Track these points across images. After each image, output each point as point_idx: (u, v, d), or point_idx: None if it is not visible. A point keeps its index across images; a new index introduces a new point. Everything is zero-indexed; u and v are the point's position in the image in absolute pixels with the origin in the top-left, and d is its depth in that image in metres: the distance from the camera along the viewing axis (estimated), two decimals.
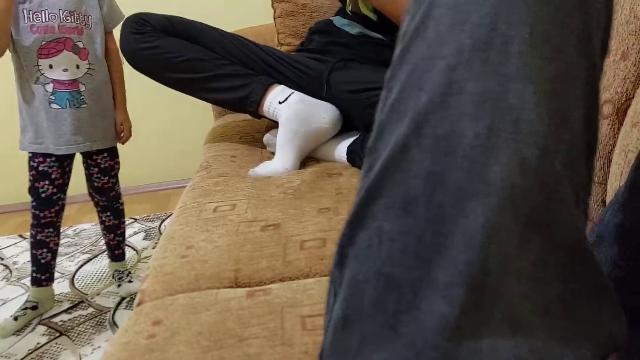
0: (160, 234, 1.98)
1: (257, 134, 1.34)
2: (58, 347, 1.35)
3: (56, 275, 1.54)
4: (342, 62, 1.17)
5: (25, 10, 1.30)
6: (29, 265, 1.50)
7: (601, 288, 0.34)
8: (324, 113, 1.11)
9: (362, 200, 0.34)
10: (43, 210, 1.42)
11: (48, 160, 1.39)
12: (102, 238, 1.68)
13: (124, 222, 1.64)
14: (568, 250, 0.33)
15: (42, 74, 1.34)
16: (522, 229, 0.31)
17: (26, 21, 1.30)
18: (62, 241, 1.53)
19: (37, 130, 1.37)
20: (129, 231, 1.73)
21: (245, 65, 1.18)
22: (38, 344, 1.37)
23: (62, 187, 1.44)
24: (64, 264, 1.78)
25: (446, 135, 0.32)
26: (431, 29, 0.34)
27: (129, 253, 1.74)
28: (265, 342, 0.53)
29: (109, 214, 1.59)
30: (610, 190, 0.67)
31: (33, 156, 1.40)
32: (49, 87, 1.35)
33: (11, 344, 1.38)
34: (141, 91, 1.84)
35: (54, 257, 1.49)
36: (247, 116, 1.28)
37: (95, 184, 1.53)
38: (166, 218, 2.13)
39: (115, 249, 1.65)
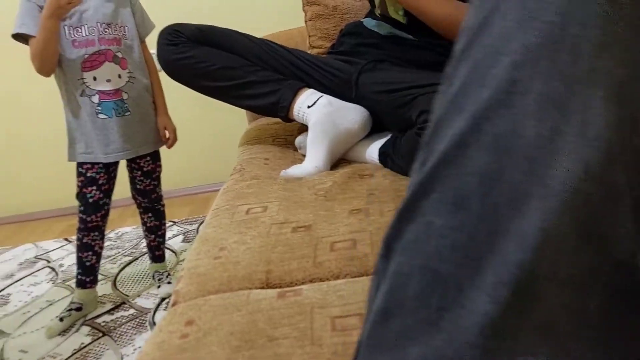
0: None
1: (289, 137, 1.36)
2: (101, 347, 1.39)
3: (99, 277, 1.59)
4: (372, 64, 1.17)
5: (66, 27, 1.35)
6: (74, 267, 1.55)
7: None
8: (352, 115, 1.12)
9: (413, 195, 0.34)
10: (90, 215, 1.47)
11: (96, 167, 1.44)
12: (142, 241, 1.72)
13: (164, 223, 1.68)
14: (619, 264, 0.32)
15: (87, 87, 1.38)
16: (578, 237, 0.30)
17: (68, 37, 1.35)
18: (104, 244, 1.58)
19: (86, 142, 1.42)
20: (168, 234, 1.78)
21: (275, 70, 1.19)
22: (82, 344, 1.42)
23: (108, 192, 1.49)
24: (106, 267, 1.83)
25: (507, 133, 0.31)
26: (497, 24, 0.33)
27: (168, 255, 1.79)
28: (295, 343, 0.54)
29: (150, 215, 1.63)
30: None
31: (82, 164, 1.45)
32: (95, 99, 1.39)
33: (57, 344, 1.43)
34: (180, 97, 1.88)
35: (98, 260, 1.54)
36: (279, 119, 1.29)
37: (138, 187, 1.57)
38: (203, 221, 2.16)
39: (156, 250, 1.69)
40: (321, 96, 1.14)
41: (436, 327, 0.30)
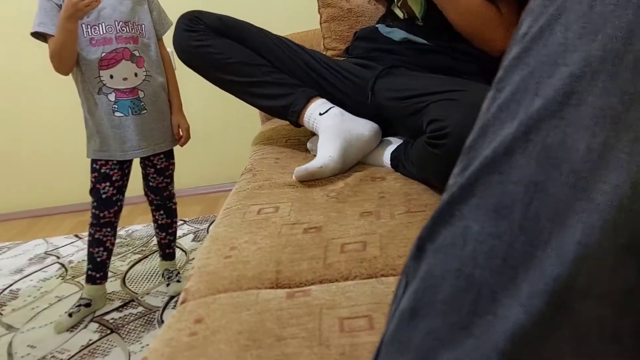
0: None
1: (302, 138, 1.35)
2: (109, 344, 1.40)
3: (109, 274, 1.60)
4: (387, 70, 1.17)
5: (83, 25, 1.36)
6: (84, 264, 1.56)
7: None
8: (363, 124, 1.11)
9: (452, 198, 0.34)
10: (103, 211, 1.48)
11: (110, 163, 1.45)
12: (152, 239, 1.73)
13: (176, 221, 1.69)
14: None
15: (104, 85, 1.39)
16: (620, 254, 0.30)
17: (85, 35, 1.36)
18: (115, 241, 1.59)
19: (102, 140, 1.44)
20: (178, 232, 1.78)
21: (290, 70, 1.19)
22: (90, 340, 1.42)
23: (121, 188, 1.51)
24: (116, 264, 1.84)
25: (556, 145, 0.31)
26: (558, 33, 0.33)
27: (178, 254, 1.79)
28: (302, 343, 0.54)
29: (162, 212, 1.64)
30: None
31: (96, 160, 1.46)
32: (112, 97, 1.40)
33: (65, 339, 1.44)
34: (195, 96, 1.88)
35: (109, 257, 1.55)
36: None
37: (151, 184, 1.58)
38: (214, 220, 2.17)
39: (167, 248, 1.70)
40: (333, 106, 1.14)
41: (465, 332, 0.30)
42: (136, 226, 2.19)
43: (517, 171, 0.31)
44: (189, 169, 2.26)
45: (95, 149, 1.45)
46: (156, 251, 1.76)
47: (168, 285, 1.65)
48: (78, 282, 1.76)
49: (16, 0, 2.22)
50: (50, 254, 2.03)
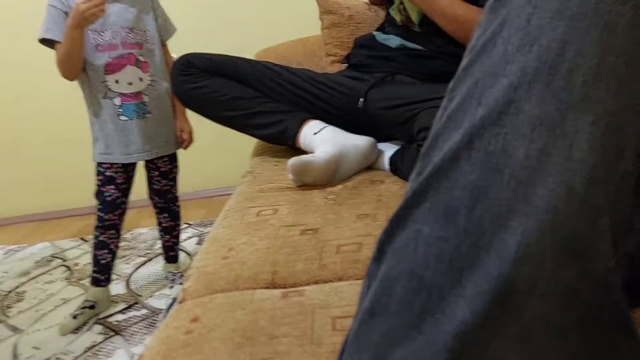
0: None
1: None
2: (112, 346, 1.41)
3: (113, 277, 1.62)
4: (383, 78, 1.20)
5: (90, 32, 1.38)
6: (89, 267, 1.58)
7: (622, 320, 0.34)
8: (359, 138, 1.13)
9: (407, 202, 0.35)
10: (107, 213, 1.50)
11: (114, 166, 1.48)
12: (157, 242, 1.74)
13: (179, 224, 1.71)
14: (598, 282, 0.33)
15: (110, 89, 1.42)
16: (559, 255, 0.31)
17: (92, 41, 1.39)
18: (120, 244, 1.61)
19: (107, 143, 1.46)
20: (183, 236, 1.80)
21: (281, 95, 1.23)
22: (94, 342, 1.44)
23: (126, 191, 1.53)
24: (120, 266, 1.86)
25: (497, 152, 0.32)
26: (499, 46, 0.35)
27: (182, 257, 1.81)
28: (294, 341, 0.55)
29: (166, 215, 1.66)
30: None
31: (101, 163, 1.48)
32: (117, 101, 1.43)
33: (69, 341, 1.45)
34: None
35: (113, 259, 1.57)
36: None
37: (155, 187, 1.60)
38: None
39: (170, 250, 1.72)
40: (327, 126, 1.17)
41: (417, 330, 0.31)
42: (141, 229, 2.21)
43: (463, 177, 0.33)
44: (193, 172, 2.28)
45: (100, 152, 1.47)
46: (160, 254, 1.77)
47: (171, 287, 1.66)
48: (83, 284, 1.78)
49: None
50: (56, 257, 2.05)
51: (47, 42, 1.36)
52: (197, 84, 1.23)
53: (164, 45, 1.54)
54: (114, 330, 1.48)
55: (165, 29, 1.54)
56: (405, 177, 1.04)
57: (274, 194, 1.00)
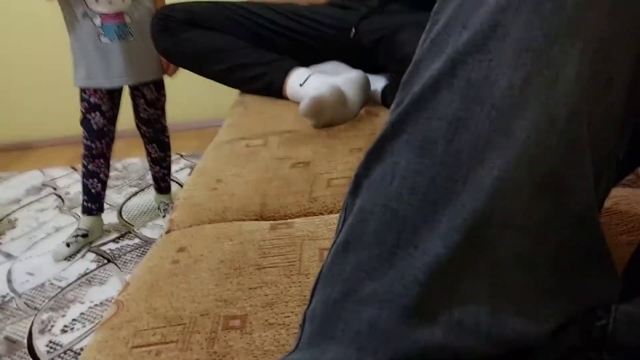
0: None
1: None
2: (106, 273, 1.43)
3: (105, 206, 1.61)
4: (373, 10, 1.16)
5: None
6: (80, 195, 1.57)
7: (599, 256, 0.34)
8: (349, 71, 1.09)
9: (385, 134, 0.34)
10: (94, 142, 1.48)
11: (98, 92, 1.44)
12: (148, 173, 1.73)
13: (169, 155, 1.69)
14: (575, 217, 0.32)
15: (89, 9, 1.36)
16: (535, 188, 0.30)
17: None
18: (111, 174, 1.60)
19: (88, 67, 1.42)
20: (175, 167, 1.79)
21: (265, 39, 1.17)
22: (87, 269, 1.45)
23: (112, 119, 1.50)
24: (112, 196, 1.86)
25: (480, 80, 0.31)
26: None
27: (174, 187, 1.80)
28: (282, 271, 0.54)
29: (154, 145, 1.64)
30: None
31: (84, 89, 1.45)
32: (97, 21, 1.37)
33: (63, 268, 1.47)
34: None
35: (103, 188, 1.56)
36: None
37: (142, 115, 1.57)
38: None
39: (161, 182, 1.71)
40: (311, 73, 1.11)
41: (389, 264, 0.31)
42: (133, 159, 2.19)
43: (443, 107, 0.31)
44: (187, 101, 2.24)
45: (82, 77, 1.43)
46: (152, 184, 1.77)
47: (164, 217, 1.67)
48: (75, 213, 1.78)
49: None
50: (47, 185, 2.04)
51: None
52: (177, 38, 1.17)
53: None
54: (107, 258, 1.50)
55: None
56: None
57: (265, 125, 0.98)
